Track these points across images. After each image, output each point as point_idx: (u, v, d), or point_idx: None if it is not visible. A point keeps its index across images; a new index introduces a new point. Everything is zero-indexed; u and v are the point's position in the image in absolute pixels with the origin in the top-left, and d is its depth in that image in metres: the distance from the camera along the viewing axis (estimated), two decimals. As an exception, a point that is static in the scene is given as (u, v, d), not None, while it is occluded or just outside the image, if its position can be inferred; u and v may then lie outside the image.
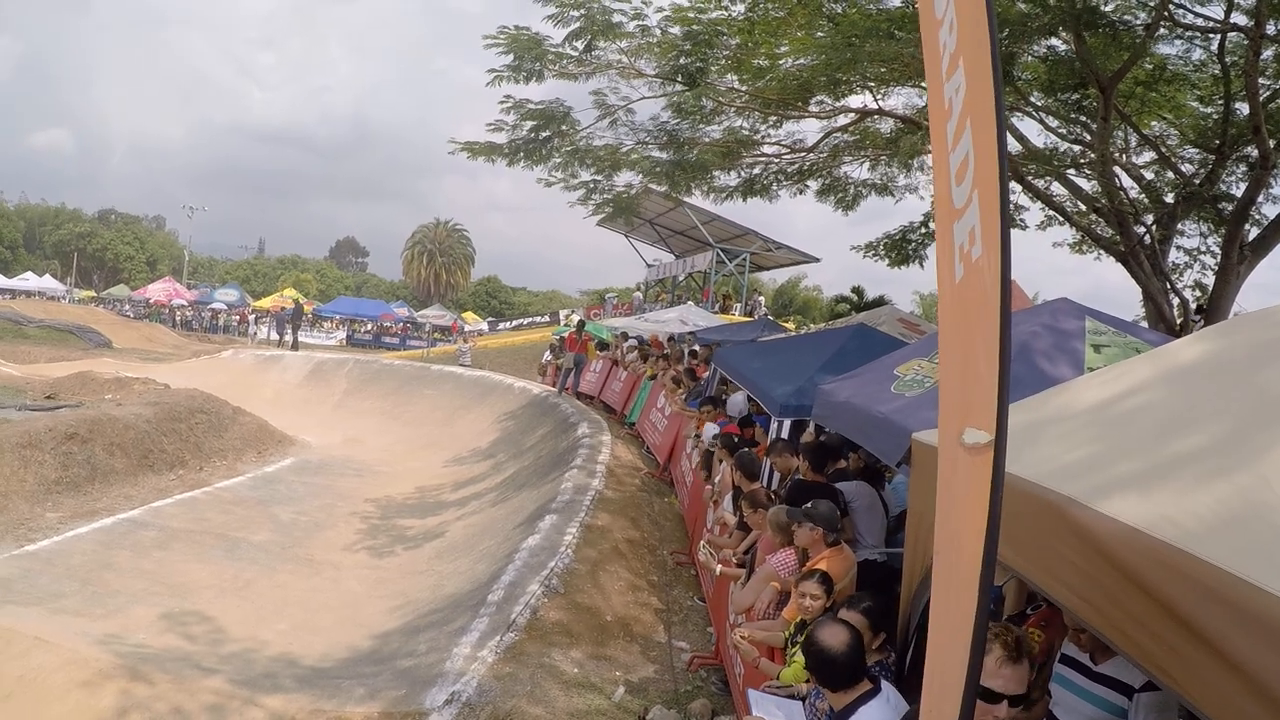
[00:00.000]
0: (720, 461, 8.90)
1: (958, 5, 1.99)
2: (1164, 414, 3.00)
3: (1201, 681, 2.05)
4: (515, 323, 64.19)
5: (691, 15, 13.39)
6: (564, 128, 14.75)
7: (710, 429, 10.73)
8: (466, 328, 60.14)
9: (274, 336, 36.90)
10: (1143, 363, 3.66)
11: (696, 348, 17.95)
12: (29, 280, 65.81)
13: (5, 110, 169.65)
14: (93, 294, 71.77)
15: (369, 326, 61.04)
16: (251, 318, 56.45)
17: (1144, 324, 13.57)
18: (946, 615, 1.98)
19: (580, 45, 13.76)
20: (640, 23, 13.54)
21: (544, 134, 14.83)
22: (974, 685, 1.78)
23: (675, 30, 13.47)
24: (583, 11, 13.40)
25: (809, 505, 5.49)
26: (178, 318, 60.48)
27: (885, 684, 3.58)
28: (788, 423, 8.80)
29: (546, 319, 57.77)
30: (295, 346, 33.60)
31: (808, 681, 4.15)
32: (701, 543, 7.72)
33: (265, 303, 61.65)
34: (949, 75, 2.05)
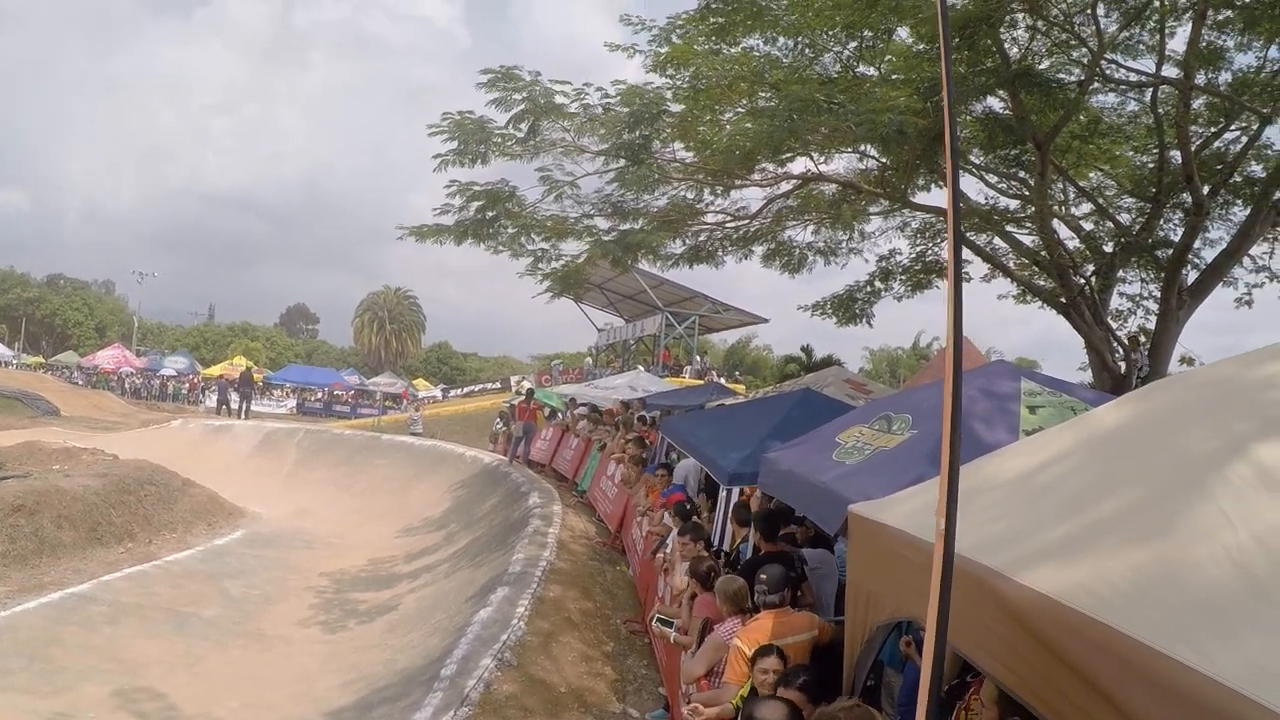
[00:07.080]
0: (672, 531, 9.14)
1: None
2: (1084, 482, 3.05)
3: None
4: (467, 389, 64.20)
5: (637, 89, 13.59)
6: (509, 205, 14.94)
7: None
8: (418, 395, 59.94)
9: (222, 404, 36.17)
10: (1065, 430, 3.73)
11: (645, 414, 18.22)
12: (-26, 346, 64.40)
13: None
14: (41, 360, 69.89)
15: (320, 395, 60.50)
16: (201, 385, 55.66)
17: (1089, 372, 13.88)
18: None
19: (524, 127, 13.97)
20: (583, 102, 13.79)
21: (490, 213, 15.03)
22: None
23: (619, 108, 13.63)
24: (525, 95, 13.63)
25: (762, 576, 5.49)
26: (127, 385, 59.45)
27: None
28: (735, 490, 9.04)
29: (498, 385, 57.89)
30: (246, 415, 33.18)
31: None
32: (653, 613, 7.91)
33: (215, 370, 60.74)
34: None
